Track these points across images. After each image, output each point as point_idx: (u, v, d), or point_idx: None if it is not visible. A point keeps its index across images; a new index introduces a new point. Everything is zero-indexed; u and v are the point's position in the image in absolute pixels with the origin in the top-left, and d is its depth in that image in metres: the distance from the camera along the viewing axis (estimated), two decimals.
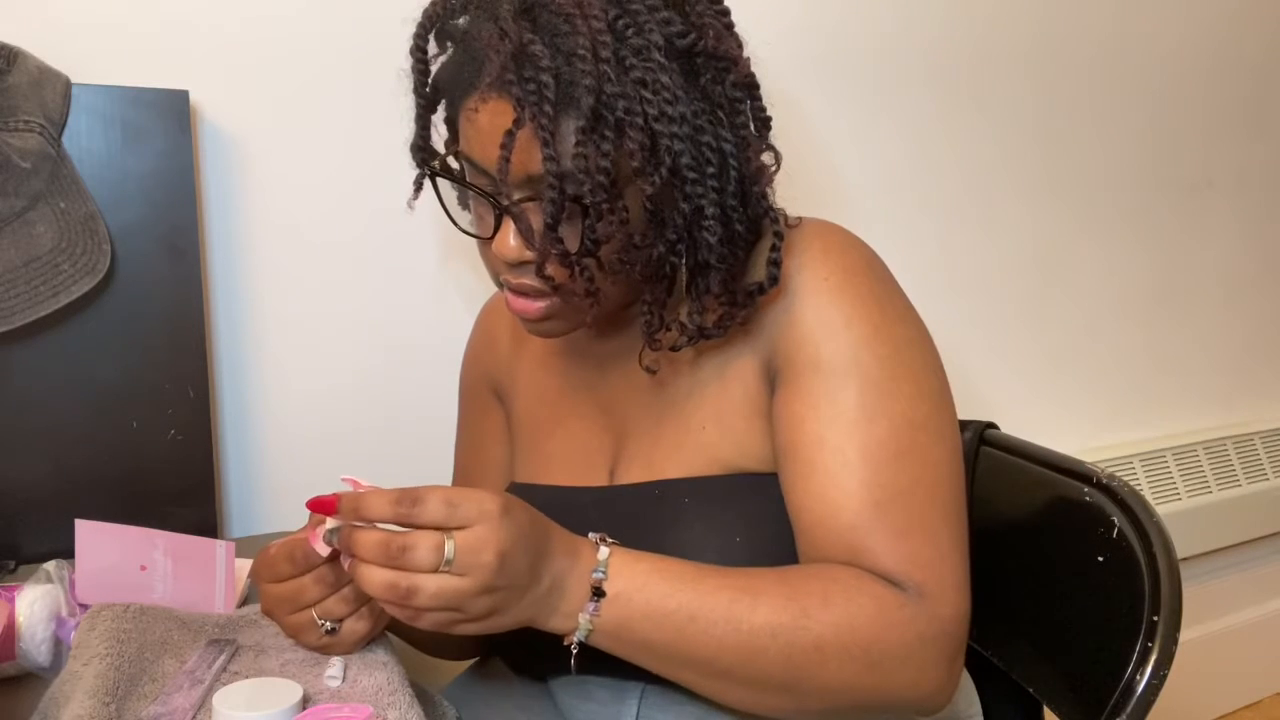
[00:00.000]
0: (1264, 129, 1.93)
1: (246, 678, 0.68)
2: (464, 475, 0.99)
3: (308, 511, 0.66)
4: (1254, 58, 1.89)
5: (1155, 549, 0.74)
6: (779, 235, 0.72)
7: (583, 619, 0.64)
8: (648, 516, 0.66)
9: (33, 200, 0.91)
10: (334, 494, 0.62)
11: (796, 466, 0.72)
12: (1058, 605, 0.84)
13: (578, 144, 0.63)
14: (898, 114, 1.51)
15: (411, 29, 0.72)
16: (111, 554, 0.77)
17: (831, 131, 1.46)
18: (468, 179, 0.72)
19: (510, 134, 0.64)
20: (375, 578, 0.59)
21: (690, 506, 0.75)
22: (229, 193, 1.09)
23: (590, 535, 0.67)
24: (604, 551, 0.65)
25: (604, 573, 0.64)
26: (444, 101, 0.74)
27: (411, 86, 0.73)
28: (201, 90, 1.05)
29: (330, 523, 0.63)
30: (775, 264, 0.72)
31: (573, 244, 0.67)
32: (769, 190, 0.73)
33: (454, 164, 0.75)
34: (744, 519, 0.73)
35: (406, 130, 0.76)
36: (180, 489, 1.03)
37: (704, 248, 0.69)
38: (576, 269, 0.68)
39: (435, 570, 0.59)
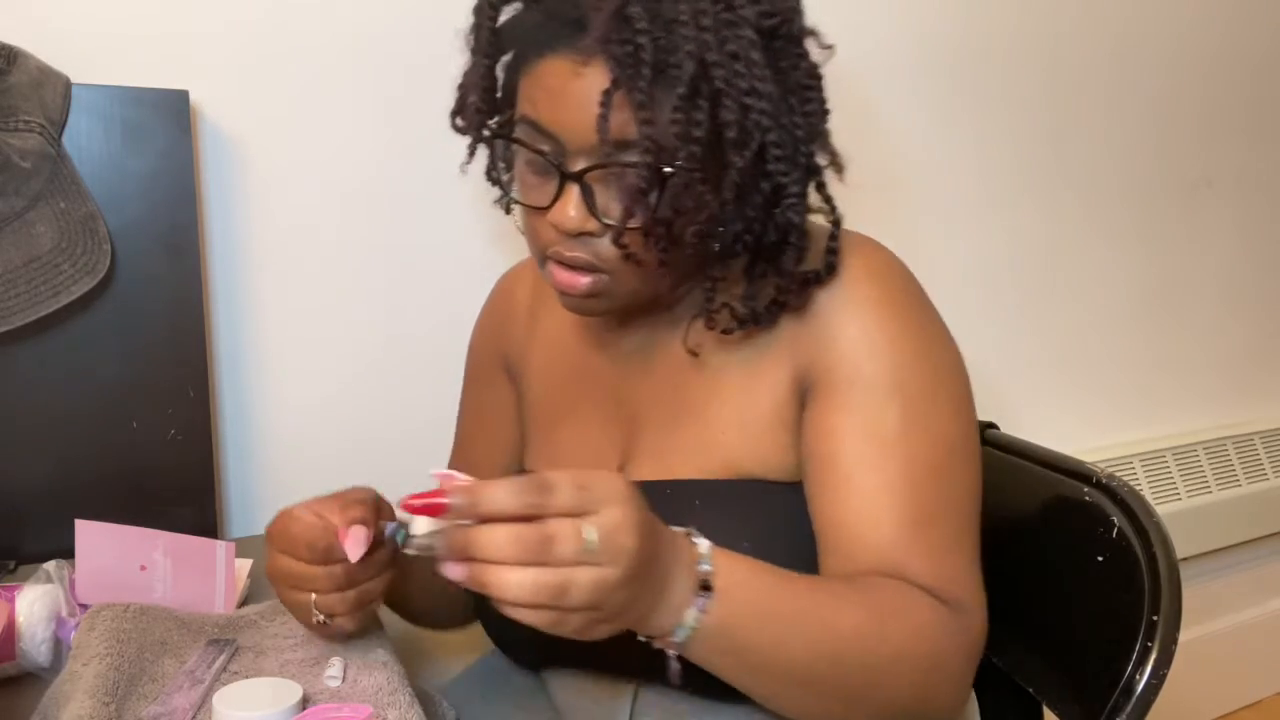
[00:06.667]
0: (1264, 130, 1.93)
1: (246, 678, 0.68)
2: (466, 443, 0.97)
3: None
4: (1254, 58, 1.89)
5: (1155, 549, 0.74)
6: (837, 224, 0.72)
7: (689, 615, 0.57)
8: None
9: (33, 200, 0.91)
10: (436, 491, 0.52)
11: (834, 480, 0.70)
12: (1058, 605, 0.84)
13: (675, 110, 0.62)
14: (898, 113, 1.51)
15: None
16: (111, 554, 0.77)
17: (834, 129, 1.46)
18: (528, 144, 0.68)
19: (608, 94, 0.61)
20: (517, 579, 0.51)
21: (700, 510, 0.74)
22: (229, 193, 1.09)
23: (673, 527, 0.60)
24: (704, 544, 0.59)
25: (710, 566, 0.58)
26: (499, 65, 0.70)
27: (470, 46, 0.70)
28: (201, 90, 1.05)
29: (423, 524, 0.53)
30: (833, 252, 0.71)
31: (647, 214, 0.65)
32: (825, 181, 0.72)
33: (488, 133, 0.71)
34: (754, 527, 0.72)
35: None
36: (180, 489, 1.03)
37: (781, 226, 0.69)
38: (652, 239, 0.66)
39: (579, 563, 0.52)
